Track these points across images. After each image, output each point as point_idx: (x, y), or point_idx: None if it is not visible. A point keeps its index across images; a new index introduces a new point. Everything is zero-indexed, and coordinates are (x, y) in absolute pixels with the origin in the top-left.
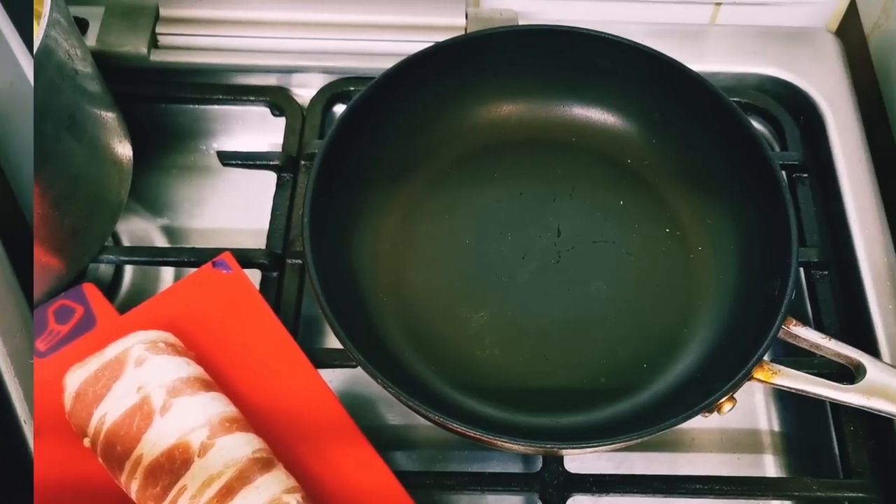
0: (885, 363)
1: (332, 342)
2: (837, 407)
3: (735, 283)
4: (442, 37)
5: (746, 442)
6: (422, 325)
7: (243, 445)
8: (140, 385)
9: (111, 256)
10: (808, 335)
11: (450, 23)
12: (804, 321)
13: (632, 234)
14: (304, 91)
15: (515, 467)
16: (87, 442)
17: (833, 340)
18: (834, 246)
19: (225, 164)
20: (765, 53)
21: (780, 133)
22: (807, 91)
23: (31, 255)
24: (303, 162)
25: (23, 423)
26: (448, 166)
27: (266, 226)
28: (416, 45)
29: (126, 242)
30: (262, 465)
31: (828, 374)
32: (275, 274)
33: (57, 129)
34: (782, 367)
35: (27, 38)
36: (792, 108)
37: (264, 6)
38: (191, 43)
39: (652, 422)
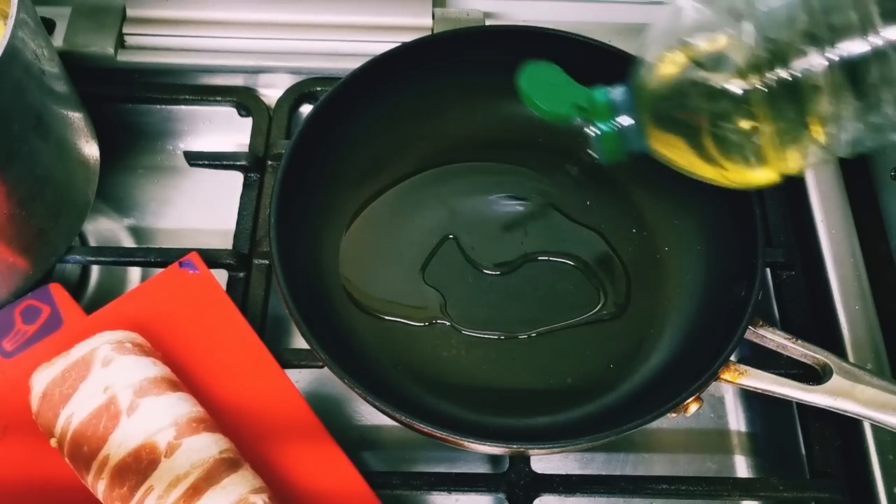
0: (851, 364)
1: (299, 342)
2: (804, 407)
3: (702, 283)
4: (408, 37)
5: (713, 442)
6: (388, 326)
7: (210, 446)
8: (107, 385)
9: (78, 256)
10: (774, 336)
11: (416, 23)
12: (771, 322)
13: (599, 234)
14: (271, 91)
15: (482, 468)
16: (53, 442)
17: (799, 341)
18: (800, 246)
19: (192, 165)
20: None
21: None
22: None
23: None
24: (269, 162)
25: None
26: (414, 166)
27: (233, 226)
28: (382, 45)
29: (93, 242)
30: (229, 465)
31: (794, 374)
32: (241, 274)
33: (24, 130)
34: (749, 368)
35: None
36: None
37: (231, 7)
38: (157, 43)
39: (618, 422)
